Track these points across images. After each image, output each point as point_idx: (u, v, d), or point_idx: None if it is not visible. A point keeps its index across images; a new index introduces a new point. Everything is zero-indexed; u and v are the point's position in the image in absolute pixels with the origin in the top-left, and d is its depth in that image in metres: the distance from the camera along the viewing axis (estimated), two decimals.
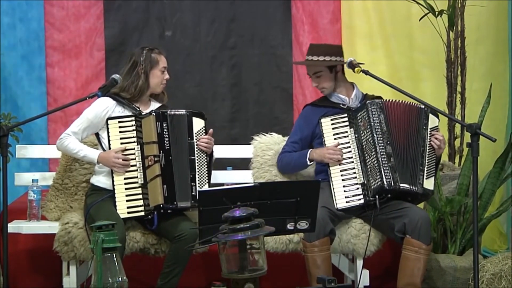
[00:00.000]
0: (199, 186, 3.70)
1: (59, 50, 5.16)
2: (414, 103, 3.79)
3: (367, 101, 3.83)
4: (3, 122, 4.19)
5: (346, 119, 3.84)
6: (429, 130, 3.80)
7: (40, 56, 5.13)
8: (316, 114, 3.94)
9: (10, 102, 5.05)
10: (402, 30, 5.27)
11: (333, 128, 3.85)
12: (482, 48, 5.16)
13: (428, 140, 3.78)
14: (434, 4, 4.66)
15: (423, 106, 3.77)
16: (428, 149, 3.78)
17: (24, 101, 5.09)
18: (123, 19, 5.23)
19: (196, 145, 3.74)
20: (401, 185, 3.71)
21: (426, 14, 4.66)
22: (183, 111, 3.77)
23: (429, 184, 3.76)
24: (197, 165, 3.73)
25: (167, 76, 3.85)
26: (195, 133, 3.76)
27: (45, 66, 5.14)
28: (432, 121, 3.83)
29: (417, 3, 4.68)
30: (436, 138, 3.78)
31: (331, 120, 3.85)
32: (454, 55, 4.71)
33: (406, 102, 3.82)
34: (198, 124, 3.78)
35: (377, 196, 3.69)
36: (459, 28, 4.69)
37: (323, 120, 3.86)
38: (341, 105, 3.92)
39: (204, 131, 3.79)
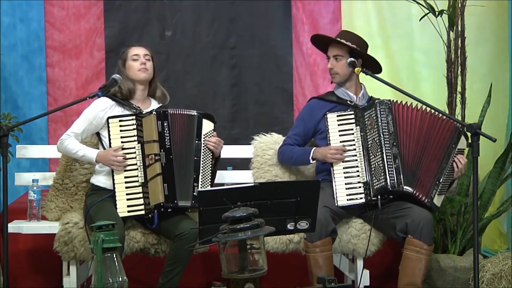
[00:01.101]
0: (201, 187, 3.70)
1: (59, 50, 5.17)
2: (449, 120, 3.73)
3: (376, 101, 3.81)
4: (3, 122, 4.19)
5: (352, 116, 3.81)
6: (456, 150, 3.77)
7: (40, 56, 5.14)
8: (321, 108, 3.92)
9: (10, 102, 5.06)
10: (402, 30, 5.27)
11: (338, 125, 3.82)
12: (482, 48, 5.16)
13: (452, 160, 3.76)
14: (434, 4, 4.66)
15: (459, 126, 3.74)
16: (449, 168, 3.76)
17: (24, 101, 5.10)
18: (123, 19, 5.24)
19: (204, 144, 3.75)
20: (404, 187, 3.69)
21: (426, 14, 4.66)
22: (194, 112, 3.78)
23: (438, 200, 3.75)
24: (202, 166, 3.73)
25: (142, 61, 3.81)
26: (204, 135, 3.78)
27: (45, 66, 5.15)
28: (461, 142, 3.79)
29: (417, 3, 4.68)
30: (459, 161, 3.76)
31: (337, 116, 3.83)
32: (454, 55, 4.70)
33: (418, 106, 3.77)
34: (207, 126, 3.80)
35: (379, 196, 3.69)
36: (459, 28, 4.68)
37: (329, 116, 3.83)
38: (348, 102, 3.91)
39: (212, 134, 3.81)
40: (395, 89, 3.68)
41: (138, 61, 3.81)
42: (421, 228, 3.60)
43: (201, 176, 3.72)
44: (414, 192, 3.70)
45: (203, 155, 3.75)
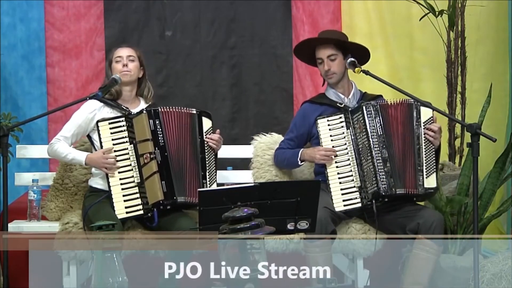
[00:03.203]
0: (209, 184, 3.72)
1: (59, 50, 5.17)
2: (405, 100, 3.74)
3: (362, 103, 3.78)
4: (4, 122, 4.19)
5: (342, 119, 3.80)
6: (422, 124, 3.74)
7: (40, 56, 5.14)
8: (313, 112, 3.91)
9: (11, 102, 5.06)
10: (402, 30, 5.27)
11: (329, 129, 3.82)
12: (482, 48, 5.16)
13: (423, 134, 3.73)
14: (434, 4, 4.66)
15: (412, 101, 3.72)
16: (425, 145, 3.72)
17: (24, 101, 5.10)
18: (123, 19, 5.24)
19: (206, 142, 3.76)
20: (397, 190, 3.68)
21: (426, 14, 4.67)
22: (194, 110, 3.78)
23: (430, 182, 3.71)
24: (207, 163, 3.74)
25: (123, 63, 3.78)
26: (204, 132, 3.78)
27: (45, 66, 5.15)
28: (425, 113, 3.75)
29: (418, 3, 4.68)
30: (430, 129, 3.71)
31: (328, 120, 3.82)
32: (454, 55, 4.71)
33: (399, 100, 3.77)
34: (206, 124, 3.80)
35: (373, 201, 3.67)
36: (459, 28, 4.69)
37: (319, 121, 3.83)
38: (338, 104, 3.90)
39: (211, 131, 3.81)
40: (395, 89, 3.68)
41: (120, 63, 3.79)
42: (433, 228, 3.58)
43: (208, 173, 3.74)
44: (409, 191, 3.68)
45: (206, 153, 3.76)
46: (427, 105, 3.68)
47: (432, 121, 3.75)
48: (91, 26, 5.19)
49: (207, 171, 3.74)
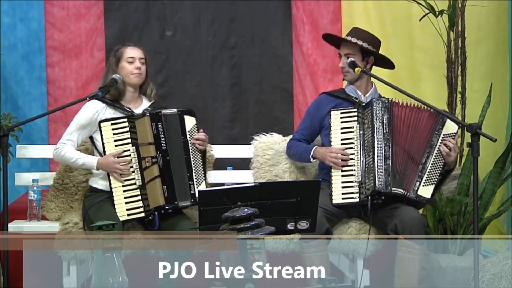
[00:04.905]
0: (196, 185, 3.69)
1: (60, 50, 5.17)
2: (427, 108, 3.72)
3: (374, 98, 3.80)
4: (4, 122, 4.19)
5: (355, 113, 3.80)
6: (441, 136, 3.72)
7: (40, 56, 5.14)
8: (328, 104, 3.92)
9: (11, 102, 5.06)
10: (402, 30, 5.27)
11: (341, 122, 3.81)
12: (483, 48, 5.16)
13: (438, 146, 3.73)
14: (434, 4, 4.66)
15: (441, 110, 3.70)
16: (436, 156, 3.72)
17: (24, 101, 5.10)
18: (123, 19, 5.24)
19: (191, 143, 3.73)
20: (393, 189, 3.67)
21: (426, 14, 4.66)
22: (174, 110, 3.74)
23: (425, 191, 3.70)
24: (193, 164, 3.72)
25: (137, 65, 3.75)
26: (188, 132, 3.74)
27: (45, 66, 5.15)
28: (449, 127, 3.74)
29: (418, 3, 4.68)
30: (445, 145, 3.71)
31: (341, 113, 3.82)
32: (454, 55, 4.71)
33: (417, 105, 3.75)
34: (190, 122, 3.76)
35: (369, 198, 3.67)
36: (460, 28, 4.69)
37: (333, 113, 3.82)
38: (353, 98, 3.89)
39: (196, 128, 3.77)
40: (395, 89, 3.68)
41: (133, 64, 3.75)
42: (410, 228, 3.57)
43: (195, 173, 3.71)
44: (405, 193, 3.69)
45: (192, 152, 3.73)
46: (453, 118, 3.67)
47: (452, 137, 3.74)
48: (91, 26, 5.19)
49: (194, 171, 3.71)
